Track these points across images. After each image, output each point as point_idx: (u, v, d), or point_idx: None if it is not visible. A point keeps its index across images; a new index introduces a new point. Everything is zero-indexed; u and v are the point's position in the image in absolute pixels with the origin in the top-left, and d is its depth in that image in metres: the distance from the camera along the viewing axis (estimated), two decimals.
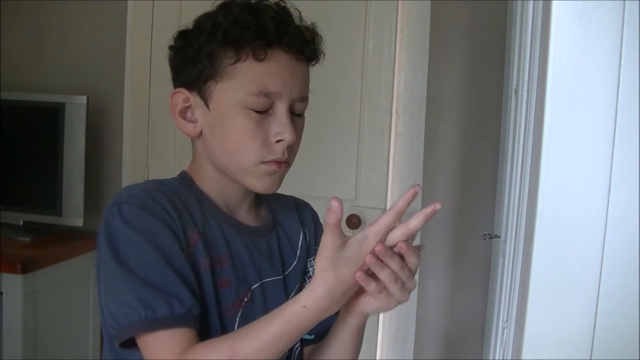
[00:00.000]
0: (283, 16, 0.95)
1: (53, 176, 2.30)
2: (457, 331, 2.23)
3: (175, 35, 1.00)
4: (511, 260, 1.25)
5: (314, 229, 1.16)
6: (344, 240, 0.82)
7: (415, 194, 0.81)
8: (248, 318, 0.96)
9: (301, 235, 1.13)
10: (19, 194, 2.37)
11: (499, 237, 1.68)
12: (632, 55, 0.81)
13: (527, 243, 0.96)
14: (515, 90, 1.43)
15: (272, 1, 0.97)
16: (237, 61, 0.93)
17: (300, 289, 1.07)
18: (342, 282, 0.82)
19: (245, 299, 0.99)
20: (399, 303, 0.87)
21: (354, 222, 2.22)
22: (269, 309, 0.96)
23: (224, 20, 0.93)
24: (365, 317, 0.97)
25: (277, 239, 1.09)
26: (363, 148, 2.25)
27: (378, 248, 0.81)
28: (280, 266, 1.07)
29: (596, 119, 0.83)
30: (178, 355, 0.84)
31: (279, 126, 0.95)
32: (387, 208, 2.24)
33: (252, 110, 0.94)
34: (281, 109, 0.95)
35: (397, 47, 2.20)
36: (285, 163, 0.98)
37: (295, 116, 0.98)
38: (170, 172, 2.39)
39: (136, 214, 0.90)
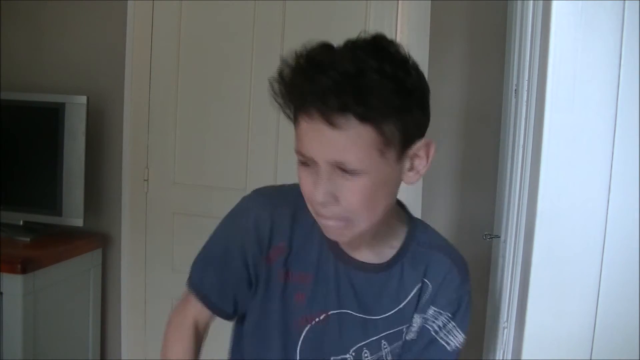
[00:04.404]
0: (332, 82, 0.86)
1: (53, 176, 2.29)
2: None
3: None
4: (511, 260, 1.25)
5: (438, 286, 1.07)
6: None
7: None
8: (317, 337, 1.04)
9: (417, 287, 1.07)
10: (19, 194, 2.37)
11: (499, 237, 1.68)
12: (632, 55, 0.81)
13: (527, 243, 0.95)
14: (515, 90, 1.43)
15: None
16: (294, 117, 0.94)
17: (395, 337, 1.06)
18: None
19: (317, 319, 1.03)
20: None
21: None
22: (343, 338, 1.04)
23: (282, 85, 0.91)
24: None
25: (386, 282, 1.05)
26: None
27: None
28: (369, 307, 1.05)
29: (596, 119, 0.83)
30: (180, 311, 1.11)
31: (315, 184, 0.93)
32: None
33: (300, 162, 0.94)
34: (317, 168, 0.92)
35: None
36: (343, 221, 0.94)
37: (346, 174, 0.90)
38: (170, 172, 2.42)
39: (240, 211, 1.06)
